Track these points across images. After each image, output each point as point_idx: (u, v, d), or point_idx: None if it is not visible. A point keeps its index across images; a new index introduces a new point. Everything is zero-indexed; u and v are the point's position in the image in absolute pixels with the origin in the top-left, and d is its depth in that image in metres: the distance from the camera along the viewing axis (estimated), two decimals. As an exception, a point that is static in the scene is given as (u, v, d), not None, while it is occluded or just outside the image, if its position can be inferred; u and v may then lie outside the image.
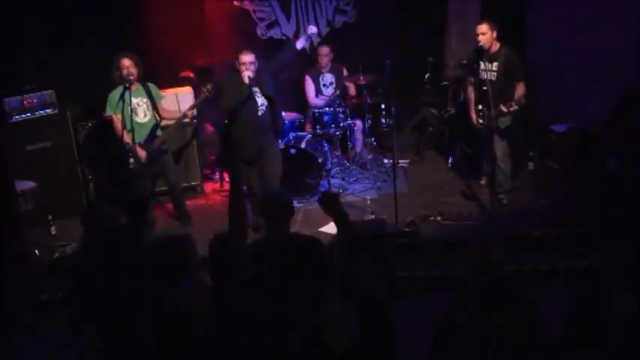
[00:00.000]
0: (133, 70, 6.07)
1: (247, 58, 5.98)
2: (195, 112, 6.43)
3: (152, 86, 6.35)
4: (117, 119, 6.11)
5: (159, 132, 6.36)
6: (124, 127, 6.07)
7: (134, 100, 6.15)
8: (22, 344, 5.22)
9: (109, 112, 6.19)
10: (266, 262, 3.93)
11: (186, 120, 6.67)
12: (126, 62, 6.05)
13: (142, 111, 6.24)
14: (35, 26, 6.91)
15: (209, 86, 6.20)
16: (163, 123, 6.45)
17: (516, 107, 6.05)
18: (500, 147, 6.31)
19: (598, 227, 5.84)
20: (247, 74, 5.94)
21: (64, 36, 7.04)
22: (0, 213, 5.50)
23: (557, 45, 7.44)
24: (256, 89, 6.11)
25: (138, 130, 6.10)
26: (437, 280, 5.53)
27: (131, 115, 6.00)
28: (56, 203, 6.74)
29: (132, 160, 6.09)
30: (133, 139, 5.99)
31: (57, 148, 6.90)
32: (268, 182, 6.26)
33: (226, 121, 6.22)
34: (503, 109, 6.06)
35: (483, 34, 6.18)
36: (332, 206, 4.28)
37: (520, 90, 6.13)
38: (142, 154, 6.14)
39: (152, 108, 6.30)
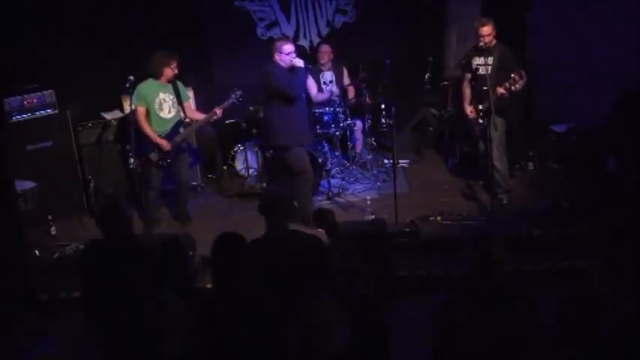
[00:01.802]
0: (177, 71, 6.31)
1: (293, 46, 6.16)
2: (221, 113, 6.46)
3: (180, 84, 6.47)
4: (141, 111, 6.23)
5: (181, 129, 6.44)
6: (147, 120, 6.24)
7: (162, 96, 6.29)
8: (22, 344, 5.22)
9: (135, 103, 6.27)
10: (266, 260, 3.93)
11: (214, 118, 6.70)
12: (175, 62, 6.26)
13: (167, 107, 6.34)
14: (35, 26, 6.91)
15: (238, 93, 6.43)
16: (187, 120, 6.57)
17: (510, 84, 6.01)
18: (495, 147, 6.29)
19: (598, 227, 5.84)
20: (301, 60, 6.12)
21: (64, 36, 7.04)
22: (0, 213, 5.50)
23: (557, 45, 7.44)
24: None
25: (161, 125, 6.28)
26: (437, 280, 5.53)
27: (156, 110, 6.23)
28: (56, 203, 6.75)
29: (153, 153, 6.25)
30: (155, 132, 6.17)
31: (57, 148, 6.90)
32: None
33: (279, 108, 6.17)
34: (500, 90, 6.04)
35: (488, 35, 6.25)
36: (325, 222, 4.33)
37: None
38: (164, 143, 6.24)
39: (178, 105, 6.40)
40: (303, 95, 6.41)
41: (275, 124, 6.23)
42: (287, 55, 6.09)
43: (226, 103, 6.50)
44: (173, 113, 6.38)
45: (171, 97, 6.37)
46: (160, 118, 6.31)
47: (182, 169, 6.56)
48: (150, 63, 6.26)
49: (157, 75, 6.27)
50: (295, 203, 6.30)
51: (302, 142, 6.31)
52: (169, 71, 6.26)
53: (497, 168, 6.36)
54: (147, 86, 6.25)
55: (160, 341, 3.53)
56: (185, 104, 6.49)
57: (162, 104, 6.31)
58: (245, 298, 3.45)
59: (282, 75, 6.08)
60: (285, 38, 6.26)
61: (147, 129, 6.24)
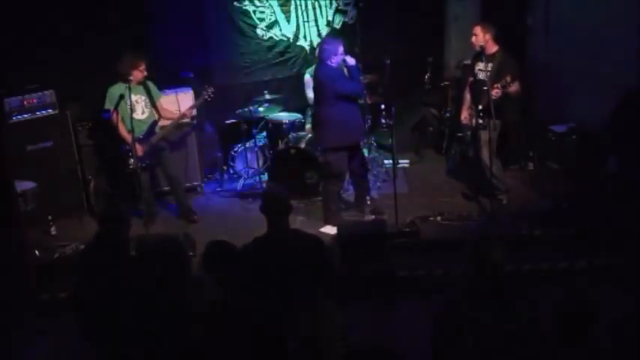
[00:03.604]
0: (146, 72, 6.31)
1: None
2: (194, 112, 6.51)
3: (151, 84, 6.50)
4: (115, 114, 6.17)
5: (157, 129, 6.47)
6: (122, 122, 6.22)
7: (133, 97, 6.29)
8: (22, 344, 5.22)
9: (107, 106, 6.26)
10: (266, 259, 3.93)
11: (185, 120, 6.74)
12: (143, 64, 6.26)
13: (140, 108, 6.38)
14: (35, 26, 6.91)
15: (210, 90, 6.45)
16: (161, 122, 6.56)
17: (502, 85, 6.00)
18: (488, 150, 6.27)
19: (598, 227, 5.84)
20: (352, 58, 6.10)
21: (64, 36, 7.04)
22: (0, 213, 5.49)
23: (557, 45, 7.44)
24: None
25: (137, 126, 6.24)
26: (437, 280, 5.53)
27: (130, 112, 6.11)
28: (56, 203, 6.74)
29: (130, 156, 6.23)
30: (133, 135, 6.05)
31: (57, 148, 6.89)
32: (365, 163, 6.64)
33: (337, 110, 6.16)
34: (494, 90, 6.06)
35: (475, 35, 6.31)
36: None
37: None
38: (138, 148, 6.25)
39: (151, 105, 6.43)
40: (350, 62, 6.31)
41: (331, 125, 6.20)
42: (341, 55, 6.10)
43: (197, 102, 6.59)
44: (147, 114, 6.43)
45: (144, 97, 6.41)
46: (135, 120, 6.22)
47: (167, 166, 6.61)
48: (118, 66, 6.24)
49: (126, 78, 6.18)
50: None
51: (352, 141, 6.30)
52: (138, 74, 6.27)
53: (493, 172, 6.35)
54: (118, 88, 6.17)
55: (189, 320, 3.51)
56: (158, 104, 6.52)
57: (135, 106, 6.30)
58: (243, 299, 3.45)
59: (345, 78, 6.10)
60: (335, 39, 6.23)
61: (121, 131, 6.24)
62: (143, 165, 6.37)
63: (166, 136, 6.61)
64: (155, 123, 6.47)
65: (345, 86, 6.08)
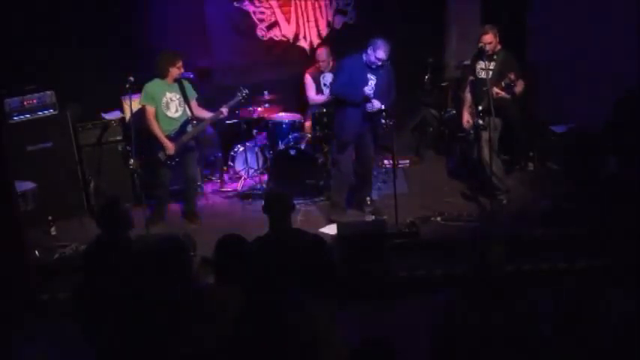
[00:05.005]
0: (183, 69, 6.40)
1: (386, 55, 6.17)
2: (227, 112, 6.54)
3: (186, 83, 6.54)
4: (151, 111, 6.30)
5: (189, 128, 6.49)
6: (157, 119, 6.33)
7: (168, 95, 6.37)
8: (22, 344, 5.22)
9: (143, 102, 6.36)
10: (267, 258, 3.93)
11: (220, 117, 6.77)
12: (180, 61, 6.35)
13: (174, 106, 6.43)
14: (35, 26, 6.91)
15: (244, 92, 6.62)
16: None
17: (506, 84, 6.07)
18: (489, 150, 6.28)
19: (598, 227, 5.84)
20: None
21: (64, 36, 7.04)
22: (0, 213, 5.49)
23: (557, 45, 7.44)
24: (373, 77, 6.27)
25: (169, 124, 6.36)
26: (437, 280, 5.53)
27: (163, 109, 6.32)
28: (56, 203, 6.74)
29: (161, 152, 6.34)
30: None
31: (57, 149, 6.89)
32: (366, 162, 6.60)
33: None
34: (496, 89, 6.07)
35: (489, 42, 6.27)
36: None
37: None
38: (169, 146, 6.31)
39: (184, 104, 6.46)
40: (367, 92, 6.25)
41: (336, 111, 6.47)
42: (376, 59, 6.11)
43: (232, 102, 6.63)
44: (180, 112, 6.45)
45: (178, 96, 6.44)
46: (168, 117, 6.39)
47: (190, 166, 6.63)
48: (156, 63, 6.34)
49: (163, 75, 6.35)
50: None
51: (352, 132, 6.33)
52: (175, 71, 6.34)
53: (493, 172, 6.36)
54: (154, 85, 6.33)
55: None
56: (192, 103, 6.55)
57: (169, 103, 6.38)
58: (247, 299, 3.45)
59: (352, 69, 6.22)
60: (384, 42, 6.15)
61: (156, 128, 6.32)
62: (172, 163, 6.42)
63: (196, 135, 6.64)
64: (188, 122, 6.49)
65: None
